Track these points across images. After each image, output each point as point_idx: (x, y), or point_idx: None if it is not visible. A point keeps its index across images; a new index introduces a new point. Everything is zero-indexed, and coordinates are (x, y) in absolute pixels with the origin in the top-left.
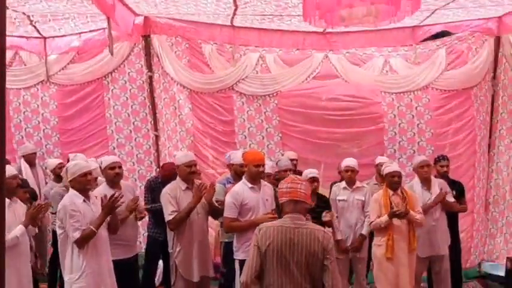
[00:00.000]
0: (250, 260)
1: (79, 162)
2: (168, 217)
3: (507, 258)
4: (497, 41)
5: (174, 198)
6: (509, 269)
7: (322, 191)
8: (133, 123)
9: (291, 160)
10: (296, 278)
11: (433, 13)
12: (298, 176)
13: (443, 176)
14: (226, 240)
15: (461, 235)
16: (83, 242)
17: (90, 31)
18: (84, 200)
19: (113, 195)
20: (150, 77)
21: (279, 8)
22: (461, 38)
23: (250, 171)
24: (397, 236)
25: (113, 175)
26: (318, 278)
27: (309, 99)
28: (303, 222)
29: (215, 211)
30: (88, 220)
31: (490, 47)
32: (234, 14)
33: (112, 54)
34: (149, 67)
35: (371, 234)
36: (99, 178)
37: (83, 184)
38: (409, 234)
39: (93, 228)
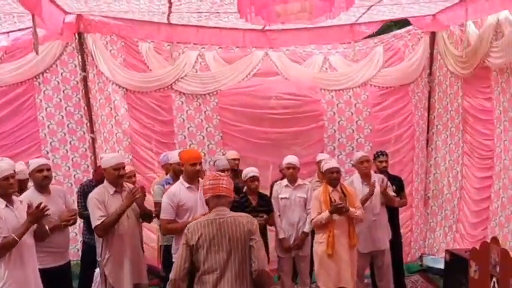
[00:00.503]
0: (178, 258)
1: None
2: (95, 222)
3: (446, 250)
4: (433, 38)
5: (102, 202)
6: (447, 261)
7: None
8: (67, 126)
9: (233, 160)
10: (228, 264)
11: (369, 9)
12: (220, 173)
13: (383, 171)
14: (165, 243)
15: (402, 229)
16: (2, 251)
17: (19, 30)
18: (6, 205)
19: (40, 204)
20: (85, 77)
21: (215, 5)
22: (398, 35)
23: (186, 170)
24: (338, 232)
25: (41, 178)
26: (248, 260)
27: (249, 98)
28: (226, 213)
29: (147, 215)
30: (10, 227)
31: (425, 44)
32: (170, 11)
33: (37, 53)
34: (83, 67)
35: (313, 232)
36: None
37: (4, 188)
38: (350, 230)
39: (15, 237)
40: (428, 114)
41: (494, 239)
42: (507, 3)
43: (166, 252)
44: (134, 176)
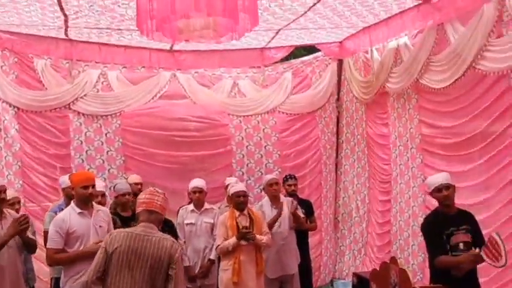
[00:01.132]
0: (95, 261)
1: None
2: None
3: (353, 274)
4: (340, 65)
5: None
6: (355, 284)
7: None
8: None
9: (135, 184)
10: (137, 283)
11: (277, 33)
12: (157, 189)
13: (292, 195)
14: (56, 275)
15: (311, 253)
16: None
17: None
18: None
19: None
20: None
21: (115, 20)
22: (306, 61)
23: (77, 193)
24: (244, 258)
25: None
26: (160, 286)
27: (155, 120)
28: (153, 231)
29: (30, 244)
30: None
31: (333, 70)
32: (66, 26)
33: None
34: None
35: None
36: None
37: None
38: (257, 257)
39: None
40: (337, 139)
41: (393, 259)
42: (406, 26)
43: (56, 286)
44: (18, 203)
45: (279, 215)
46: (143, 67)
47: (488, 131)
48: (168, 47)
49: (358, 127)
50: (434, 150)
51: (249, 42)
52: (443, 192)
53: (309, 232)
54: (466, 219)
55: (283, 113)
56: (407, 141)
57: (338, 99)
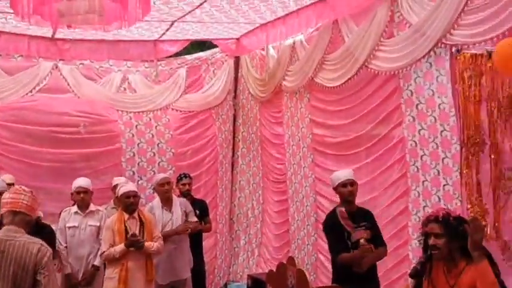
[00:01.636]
0: None
1: None
2: None
3: (248, 275)
4: (237, 62)
5: None
6: (250, 287)
7: None
8: None
9: (8, 185)
10: None
11: (172, 26)
12: (23, 187)
13: (186, 195)
14: None
15: (206, 256)
16: None
17: None
18: None
19: None
20: None
21: None
22: (202, 57)
23: None
24: (133, 265)
25: None
26: None
27: (33, 115)
28: (17, 235)
29: None
30: None
31: (230, 67)
32: None
33: None
34: None
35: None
36: None
37: None
38: (147, 263)
39: None
40: (234, 138)
41: (291, 259)
42: (302, 24)
43: None
44: None
45: (173, 232)
46: (21, 56)
47: (375, 131)
48: (49, 34)
49: (253, 125)
50: (324, 149)
51: (141, 33)
52: (348, 188)
53: (204, 234)
54: (365, 216)
55: (177, 110)
56: (299, 140)
57: (235, 96)
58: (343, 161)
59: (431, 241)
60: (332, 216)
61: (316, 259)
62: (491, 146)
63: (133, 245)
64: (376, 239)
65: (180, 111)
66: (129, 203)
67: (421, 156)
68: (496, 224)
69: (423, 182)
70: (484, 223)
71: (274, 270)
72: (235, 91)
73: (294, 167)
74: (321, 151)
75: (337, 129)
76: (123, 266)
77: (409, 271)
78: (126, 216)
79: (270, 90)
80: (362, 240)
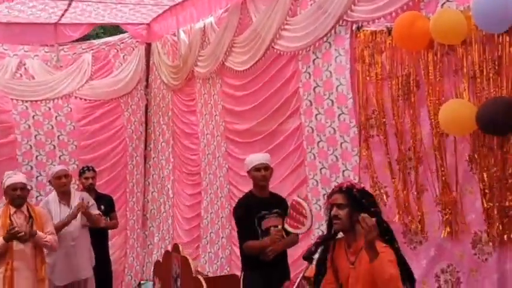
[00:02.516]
0: None
1: None
2: None
3: None
4: (148, 48)
5: None
6: None
7: None
8: None
9: None
10: None
11: (70, 5)
12: None
13: (90, 189)
14: None
15: (115, 254)
16: None
17: None
18: None
19: None
20: None
21: None
22: (110, 43)
23: None
24: (19, 264)
25: None
26: None
27: None
28: None
29: None
30: None
31: (140, 54)
32: None
33: None
34: None
35: None
36: None
37: None
38: (36, 261)
39: None
40: (146, 130)
41: (176, 247)
42: (212, 7)
43: None
44: None
45: (72, 217)
46: None
47: (274, 118)
48: None
49: (165, 116)
50: (234, 137)
51: (36, 14)
52: (262, 172)
53: (111, 231)
54: (278, 203)
55: (81, 98)
56: (213, 129)
57: (147, 86)
58: (249, 149)
59: (333, 211)
60: (244, 201)
61: (230, 252)
62: (393, 126)
63: (14, 237)
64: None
65: (85, 99)
66: (15, 196)
67: (318, 143)
68: (405, 205)
69: (321, 169)
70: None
71: (161, 260)
72: (147, 80)
73: (208, 157)
74: (231, 139)
75: (243, 116)
76: (8, 266)
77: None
78: (13, 209)
79: (182, 78)
80: (273, 228)
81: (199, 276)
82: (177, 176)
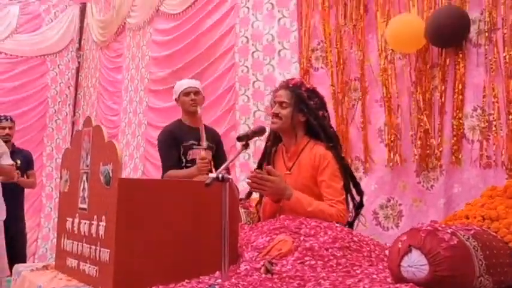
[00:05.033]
0: None
1: None
2: None
3: None
4: (83, 9)
5: None
6: None
7: None
8: None
9: None
10: None
11: None
12: None
13: (6, 140)
14: None
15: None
16: None
17: None
18: None
19: None
20: None
21: None
22: None
23: None
24: None
25: None
26: None
27: None
28: None
29: None
30: None
31: (74, 14)
32: None
33: None
34: None
35: None
36: None
37: None
38: None
39: None
40: (76, 93)
41: (87, 120)
42: None
43: None
44: None
45: None
46: None
47: (209, 56)
48: None
49: (93, 78)
50: (158, 87)
51: None
52: (191, 96)
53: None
54: (210, 135)
55: (3, 53)
56: (137, 83)
57: (80, 48)
58: (171, 97)
59: (274, 109)
60: (171, 126)
61: None
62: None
63: None
64: (218, 162)
65: (6, 54)
66: None
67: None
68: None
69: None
70: None
71: None
72: (79, 42)
73: (129, 116)
74: (155, 90)
75: (171, 59)
76: None
77: None
78: None
79: (112, 31)
80: (199, 160)
81: (114, 141)
82: None
